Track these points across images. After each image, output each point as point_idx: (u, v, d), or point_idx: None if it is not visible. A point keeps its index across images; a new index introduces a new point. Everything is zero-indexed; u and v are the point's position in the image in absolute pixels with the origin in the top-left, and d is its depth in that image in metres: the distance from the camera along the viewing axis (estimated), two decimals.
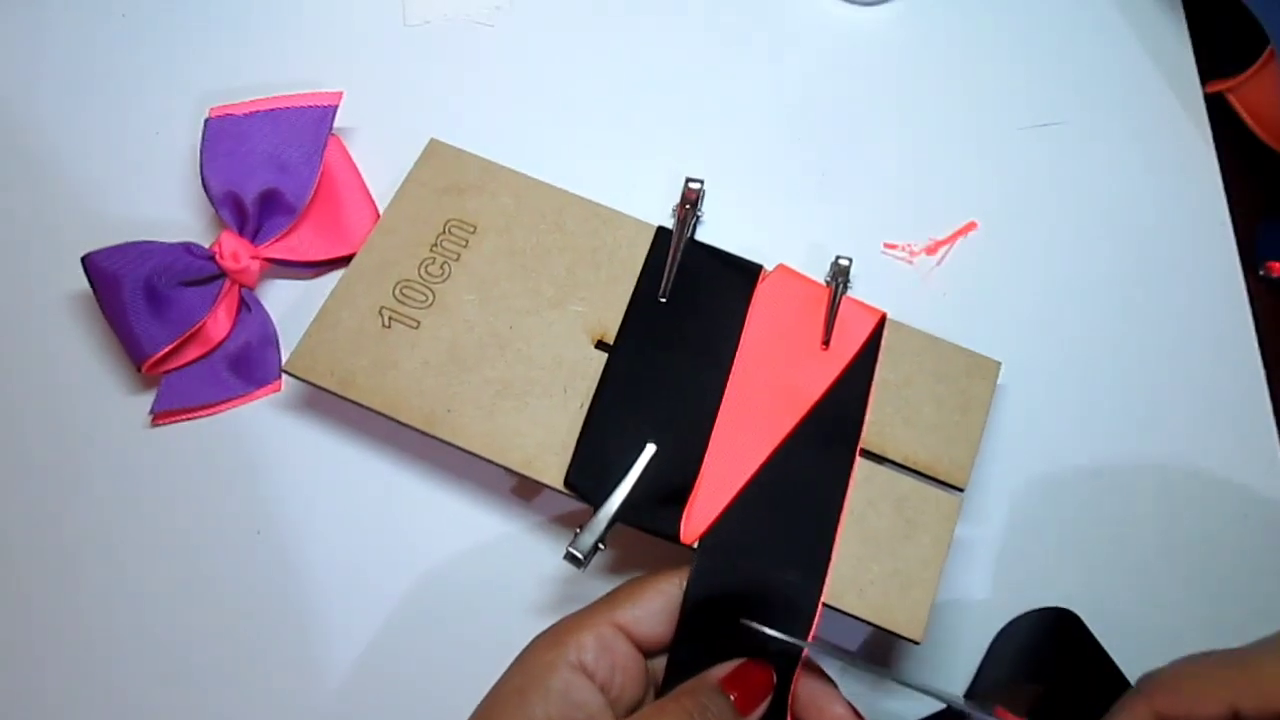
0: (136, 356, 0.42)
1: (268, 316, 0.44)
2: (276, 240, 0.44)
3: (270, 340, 0.44)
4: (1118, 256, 0.46)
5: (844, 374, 0.39)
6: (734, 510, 0.36)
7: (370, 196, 0.45)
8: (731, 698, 0.32)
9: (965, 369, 0.39)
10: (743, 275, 0.41)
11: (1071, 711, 0.34)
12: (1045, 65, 0.50)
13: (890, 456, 0.38)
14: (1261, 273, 0.45)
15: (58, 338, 0.45)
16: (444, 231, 0.41)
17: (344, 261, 0.45)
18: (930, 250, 0.46)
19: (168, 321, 0.42)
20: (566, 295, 0.40)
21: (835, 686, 0.35)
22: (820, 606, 0.35)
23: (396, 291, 0.40)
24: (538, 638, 0.33)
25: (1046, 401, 0.43)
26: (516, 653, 0.33)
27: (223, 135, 0.44)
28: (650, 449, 0.37)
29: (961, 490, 0.37)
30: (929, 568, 0.36)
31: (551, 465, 0.37)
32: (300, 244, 0.44)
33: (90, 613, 0.41)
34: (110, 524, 0.42)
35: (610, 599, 0.34)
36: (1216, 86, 0.48)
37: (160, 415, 0.43)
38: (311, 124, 0.45)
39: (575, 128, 0.48)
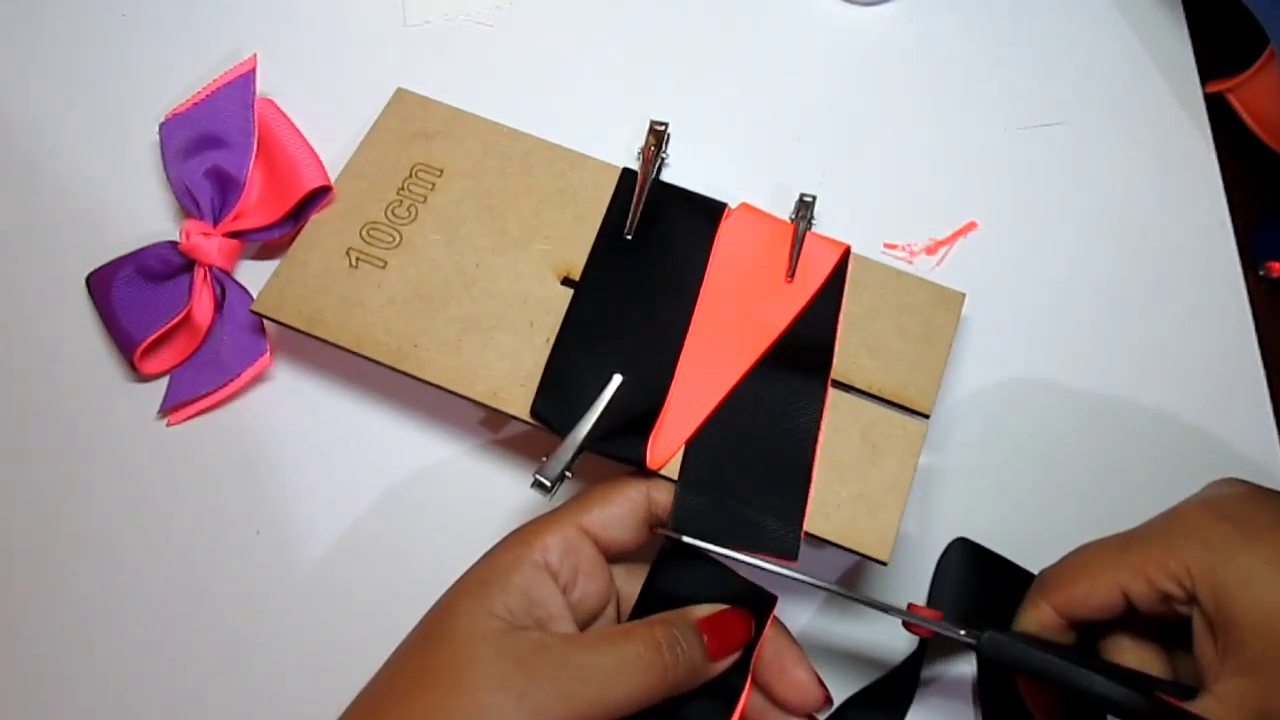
0: (129, 351, 0.43)
1: (244, 291, 0.44)
2: (234, 215, 0.44)
3: (252, 314, 0.43)
4: (1118, 256, 0.46)
5: (809, 305, 0.39)
6: (701, 438, 0.37)
7: (309, 145, 0.45)
8: (705, 639, 0.32)
9: (930, 300, 0.40)
10: (707, 212, 0.41)
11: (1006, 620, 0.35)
12: (1045, 65, 0.50)
13: (856, 385, 0.38)
14: (1261, 273, 0.45)
15: (59, 340, 0.45)
16: (410, 175, 0.42)
17: (301, 215, 0.44)
18: (930, 250, 0.46)
19: (152, 314, 0.43)
20: (533, 235, 0.41)
21: (800, 649, 0.35)
22: (802, 532, 0.36)
23: (363, 233, 0.41)
24: (507, 536, 0.34)
25: (1045, 400, 0.43)
26: None
27: (175, 134, 0.45)
28: (617, 379, 0.38)
29: (927, 416, 0.38)
30: (895, 491, 0.36)
31: (518, 396, 0.38)
32: (256, 210, 0.44)
33: (89, 612, 0.41)
34: (110, 524, 0.42)
35: (578, 502, 0.35)
36: (1216, 86, 0.48)
37: (171, 411, 0.43)
38: (237, 95, 0.45)
39: (575, 129, 0.48)
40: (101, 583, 0.41)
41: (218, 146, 0.45)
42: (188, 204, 0.45)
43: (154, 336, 0.42)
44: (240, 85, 0.45)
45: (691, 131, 0.48)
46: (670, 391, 0.38)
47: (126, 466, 0.42)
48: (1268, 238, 0.46)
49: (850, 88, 0.49)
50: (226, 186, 0.44)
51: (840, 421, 0.38)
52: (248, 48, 0.50)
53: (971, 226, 0.47)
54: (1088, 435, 0.43)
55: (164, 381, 0.44)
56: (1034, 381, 0.44)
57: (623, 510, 0.35)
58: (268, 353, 0.43)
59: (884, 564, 0.35)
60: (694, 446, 0.37)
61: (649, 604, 0.34)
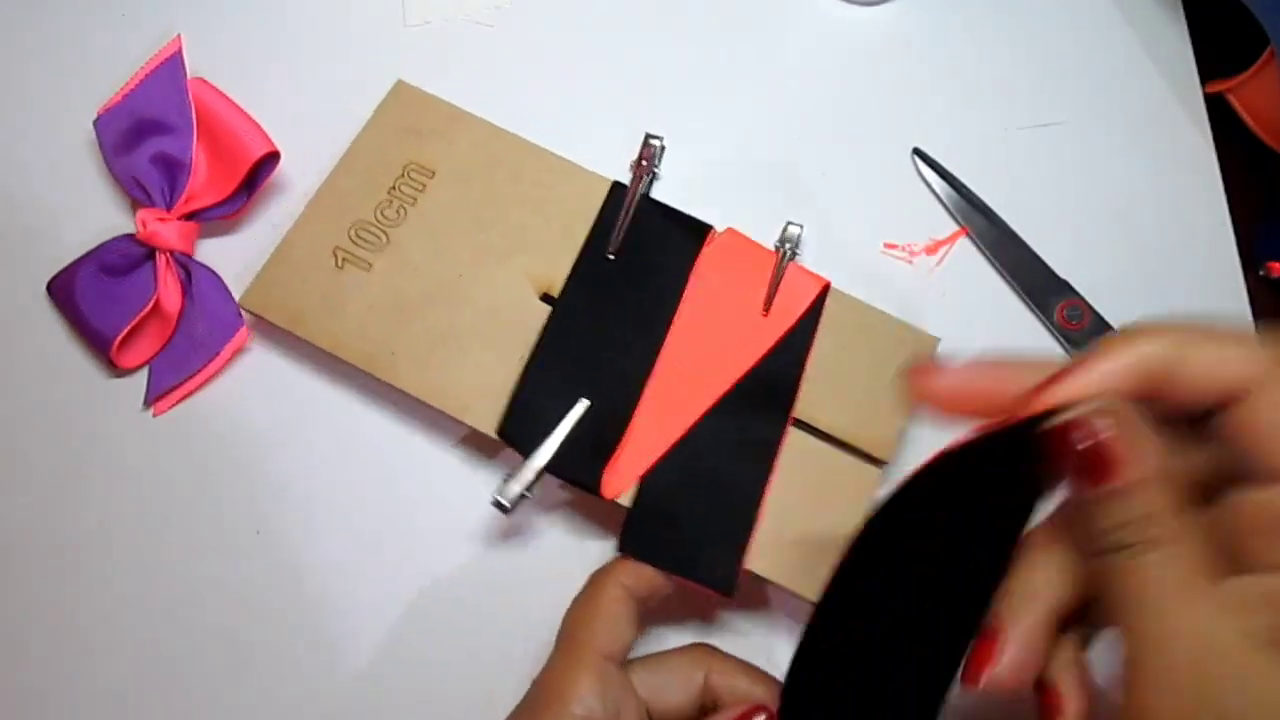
0: (105, 350, 0.42)
1: (209, 272, 0.44)
2: (186, 198, 0.44)
3: (221, 292, 0.44)
4: (1118, 256, 0.46)
5: (781, 341, 0.39)
6: (659, 470, 0.37)
7: (248, 116, 0.45)
8: None
9: (902, 342, 0.39)
10: (692, 235, 0.41)
11: None
12: (1045, 65, 0.50)
13: (818, 425, 0.38)
14: (1261, 273, 0.45)
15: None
16: (402, 175, 0.42)
17: (254, 185, 0.44)
18: (930, 250, 0.46)
19: (121, 309, 0.43)
20: (517, 247, 0.41)
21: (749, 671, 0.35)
22: (741, 569, 0.36)
23: (352, 233, 0.41)
24: (535, 700, 0.33)
25: None
26: (530, 659, 0.33)
27: (110, 127, 0.45)
28: (583, 404, 0.38)
29: (885, 463, 0.38)
30: (841, 537, 0.36)
31: (487, 413, 0.38)
32: (206, 189, 0.44)
33: (86, 611, 0.41)
34: (107, 522, 0.42)
35: (578, 631, 0.34)
36: (1216, 86, 0.48)
37: (156, 401, 0.43)
38: (168, 78, 0.45)
39: (574, 130, 0.48)
40: (100, 578, 0.41)
41: (158, 133, 0.45)
42: (137, 194, 0.44)
43: (127, 329, 0.42)
44: (169, 68, 0.45)
45: (691, 131, 0.48)
46: (633, 422, 0.38)
47: (120, 460, 0.42)
48: (1268, 238, 0.46)
49: (850, 87, 0.49)
50: (174, 170, 0.44)
51: (795, 462, 0.37)
52: (246, 49, 0.50)
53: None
54: None
55: (144, 374, 0.43)
56: None
57: (613, 611, 0.34)
58: (244, 327, 0.43)
59: None
60: (649, 480, 0.37)
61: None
